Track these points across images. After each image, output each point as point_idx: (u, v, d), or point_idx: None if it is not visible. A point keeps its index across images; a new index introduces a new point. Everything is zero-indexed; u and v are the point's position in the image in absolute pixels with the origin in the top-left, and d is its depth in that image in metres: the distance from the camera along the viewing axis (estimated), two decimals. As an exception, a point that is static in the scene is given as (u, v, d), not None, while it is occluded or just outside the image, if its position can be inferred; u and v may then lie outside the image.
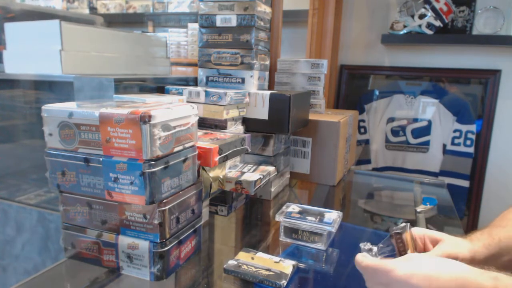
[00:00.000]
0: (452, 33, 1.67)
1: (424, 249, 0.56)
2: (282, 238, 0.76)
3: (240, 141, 0.78)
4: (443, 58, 1.73)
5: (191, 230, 0.65)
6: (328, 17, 1.61)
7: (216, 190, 0.81)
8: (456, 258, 0.51)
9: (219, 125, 0.88)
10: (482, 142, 1.69)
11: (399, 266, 0.46)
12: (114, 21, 2.61)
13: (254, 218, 0.93)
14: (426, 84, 1.76)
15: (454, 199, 1.09)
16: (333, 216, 0.77)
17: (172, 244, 0.60)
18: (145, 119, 0.52)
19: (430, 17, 1.59)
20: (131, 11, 2.55)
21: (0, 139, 1.09)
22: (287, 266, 0.63)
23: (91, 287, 0.59)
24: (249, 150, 0.83)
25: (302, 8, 1.65)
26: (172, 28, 2.41)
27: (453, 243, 0.55)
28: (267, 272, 0.61)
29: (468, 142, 1.68)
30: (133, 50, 1.06)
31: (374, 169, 1.85)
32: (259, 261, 0.64)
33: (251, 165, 0.95)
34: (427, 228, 0.68)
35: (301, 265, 0.67)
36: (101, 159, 0.55)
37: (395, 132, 1.82)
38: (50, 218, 0.88)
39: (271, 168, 0.93)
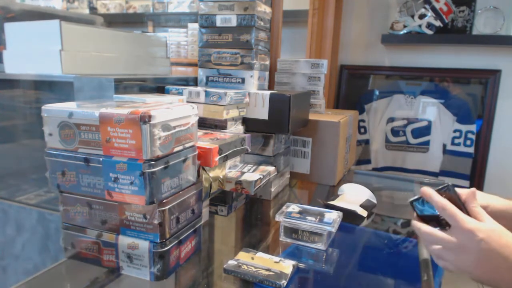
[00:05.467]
0: (452, 33, 1.67)
1: None
2: (282, 238, 0.76)
3: (240, 141, 0.78)
4: (443, 58, 1.73)
5: (191, 230, 0.65)
6: (328, 17, 1.61)
7: (216, 190, 0.81)
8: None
9: (219, 125, 0.88)
10: (482, 142, 1.69)
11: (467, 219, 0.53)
12: (114, 21, 2.61)
13: (254, 218, 0.93)
14: (426, 84, 1.76)
15: (454, 199, 1.08)
16: (333, 216, 0.77)
17: (172, 244, 0.60)
18: (145, 119, 0.52)
19: (430, 17, 1.59)
20: (131, 11, 2.55)
21: (0, 139, 1.09)
22: (287, 266, 0.63)
23: (91, 287, 0.59)
24: (249, 150, 0.83)
25: (302, 8, 1.65)
26: (172, 28, 2.41)
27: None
28: (267, 272, 0.61)
29: (468, 142, 1.68)
30: (133, 50, 1.06)
31: (374, 169, 1.85)
32: (259, 261, 0.64)
33: (251, 165, 0.95)
34: None
35: (301, 265, 0.67)
36: (101, 159, 0.55)
37: (395, 132, 1.82)
38: (50, 218, 0.88)
39: (271, 168, 0.93)
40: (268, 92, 0.94)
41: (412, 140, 1.79)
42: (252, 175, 0.86)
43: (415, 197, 0.61)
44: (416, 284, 0.65)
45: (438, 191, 0.58)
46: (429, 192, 0.57)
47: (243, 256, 0.65)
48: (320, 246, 0.73)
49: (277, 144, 0.99)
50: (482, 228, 0.51)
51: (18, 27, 0.90)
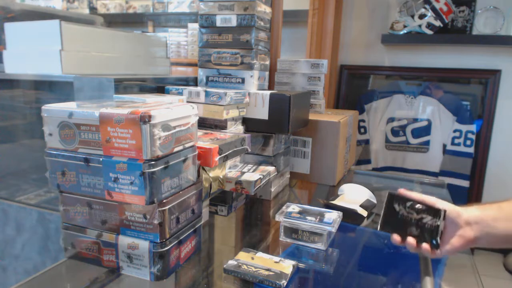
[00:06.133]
0: (452, 33, 1.67)
1: None
2: (282, 238, 0.76)
3: (240, 141, 0.78)
4: (443, 58, 1.73)
5: (191, 230, 0.65)
6: (328, 17, 1.61)
7: (216, 190, 0.81)
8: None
9: (219, 125, 0.88)
10: (482, 142, 1.69)
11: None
12: (114, 21, 2.61)
13: (254, 218, 0.93)
14: (426, 84, 1.76)
15: (454, 199, 1.08)
16: (333, 216, 0.77)
17: (172, 244, 0.60)
18: (145, 119, 0.52)
19: (430, 17, 1.59)
20: (131, 11, 2.55)
21: (0, 139, 1.09)
22: (287, 266, 0.63)
23: (91, 287, 0.59)
24: (249, 150, 0.83)
25: (302, 8, 1.65)
26: (172, 28, 2.41)
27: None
28: (267, 272, 0.61)
29: (468, 142, 1.68)
30: (133, 50, 1.06)
31: (374, 169, 1.85)
32: (259, 261, 0.64)
33: (251, 165, 0.95)
34: None
35: (301, 265, 0.67)
36: (101, 159, 0.55)
37: (395, 132, 1.82)
38: (50, 218, 0.88)
39: (271, 168, 0.93)
40: (268, 92, 0.94)
41: (412, 140, 1.79)
42: (252, 175, 0.86)
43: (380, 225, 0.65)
44: (416, 284, 0.65)
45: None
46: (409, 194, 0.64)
47: (243, 256, 0.65)
48: (320, 246, 0.73)
49: (277, 144, 0.99)
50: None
51: (18, 27, 0.90)
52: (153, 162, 0.53)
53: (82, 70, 0.89)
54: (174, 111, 0.57)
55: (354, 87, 1.89)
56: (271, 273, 0.61)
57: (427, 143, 1.77)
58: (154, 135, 0.53)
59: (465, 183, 1.70)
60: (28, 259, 0.93)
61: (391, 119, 1.82)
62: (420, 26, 1.62)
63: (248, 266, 0.62)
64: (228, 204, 0.88)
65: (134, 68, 1.06)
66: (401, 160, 1.82)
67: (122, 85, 0.79)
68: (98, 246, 0.61)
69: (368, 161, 1.86)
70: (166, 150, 0.56)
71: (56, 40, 0.84)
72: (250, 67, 0.95)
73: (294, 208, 0.80)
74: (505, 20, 1.58)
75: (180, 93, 0.89)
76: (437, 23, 1.59)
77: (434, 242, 0.60)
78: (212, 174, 0.76)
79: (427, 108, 1.76)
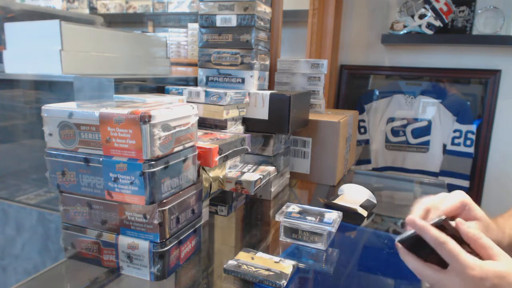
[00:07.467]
0: (452, 33, 1.67)
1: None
2: (282, 238, 0.76)
3: (240, 141, 0.78)
4: (443, 58, 1.73)
5: (191, 230, 0.65)
6: (328, 17, 1.61)
7: (216, 190, 0.81)
8: None
9: (219, 125, 0.88)
10: (482, 142, 1.69)
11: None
12: (114, 21, 2.61)
13: (254, 218, 0.93)
14: (426, 84, 1.76)
15: (454, 199, 1.08)
16: (333, 216, 0.77)
17: (172, 244, 0.60)
18: (145, 119, 0.52)
19: (430, 17, 1.59)
20: (131, 11, 2.55)
21: (0, 139, 1.09)
22: (287, 266, 0.63)
23: (91, 287, 0.59)
24: (249, 150, 0.83)
25: (302, 8, 1.65)
26: (172, 28, 2.41)
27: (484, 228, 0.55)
28: (267, 272, 0.61)
29: (468, 142, 1.68)
30: (133, 50, 1.06)
31: (374, 169, 1.85)
32: (259, 261, 0.64)
33: (251, 165, 0.95)
34: None
35: (301, 265, 0.67)
36: (101, 159, 0.55)
37: (395, 132, 1.82)
38: (50, 218, 0.88)
39: (271, 168, 0.93)
40: (268, 92, 0.94)
41: (412, 140, 1.79)
42: (252, 175, 0.86)
43: (404, 236, 0.50)
44: (416, 284, 0.65)
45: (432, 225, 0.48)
46: (421, 224, 0.46)
47: (243, 256, 0.65)
48: (320, 246, 0.73)
49: (277, 144, 0.99)
50: (490, 273, 0.42)
51: (18, 27, 0.90)
52: (153, 162, 0.53)
53: (82, 70, 0.89)
54: (174, 111, 0.57)
55: (354, 87, 1.89)
56: (271, 273, 0.61)
57: (427, 143, 1.77)
58: (154, 135, 0.53)
59: (465, 183, 1.70)
60: (28, 259, 0.93)
61: (391, 119, 1.82)
62: (420, 26, 1.61)
63: (248, 266, 0.62)
64: (228, 204, 0.89)
65: (134, 68, 1.06)
66: (401, 160, 1.82)
67: (122, 85, 0.79)
68: (98, 246, 0.61)
69: (368, 161, 1.86)
70: (166, 150, 0.56)
71: (56, 40, 0.84)
72: (250, 67, 0.95)
73: (294, 208, 0.80)
74: (505, 20, 1.58)
75: (180, 93, 0.89)
76: (437, 23, 1.59)
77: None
78: (212, 174, 0.76)
79: (427, 108, 1.76)
